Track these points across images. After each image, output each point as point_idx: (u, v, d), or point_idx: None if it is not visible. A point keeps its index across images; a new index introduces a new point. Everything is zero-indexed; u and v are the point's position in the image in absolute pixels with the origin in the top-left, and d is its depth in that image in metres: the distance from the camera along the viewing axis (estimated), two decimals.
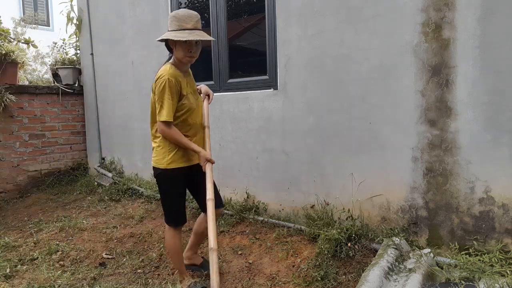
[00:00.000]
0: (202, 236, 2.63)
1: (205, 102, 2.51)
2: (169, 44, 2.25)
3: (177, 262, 2.48)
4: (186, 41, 2.13)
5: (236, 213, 3.54)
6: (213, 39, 2.23)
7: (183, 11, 2.19)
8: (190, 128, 2.32)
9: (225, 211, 3.59)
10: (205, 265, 2.70)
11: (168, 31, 2.19)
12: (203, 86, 2.59)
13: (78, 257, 3.07)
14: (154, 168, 2.35)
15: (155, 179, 2.41)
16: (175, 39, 2.10)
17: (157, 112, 2.19)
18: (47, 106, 5.42)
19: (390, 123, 2.74)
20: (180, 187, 2.39)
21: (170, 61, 2.29)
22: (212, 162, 2.28)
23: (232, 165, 3.78)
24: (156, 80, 2.20)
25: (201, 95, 2.54)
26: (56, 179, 5.42)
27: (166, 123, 2.17)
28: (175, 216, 2.42)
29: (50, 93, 5.44)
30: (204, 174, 2.27)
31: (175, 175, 2.30)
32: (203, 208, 2.42)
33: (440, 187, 2.56)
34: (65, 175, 5.53)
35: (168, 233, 2.44)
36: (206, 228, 2.43)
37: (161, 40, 2.25)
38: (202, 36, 2.15)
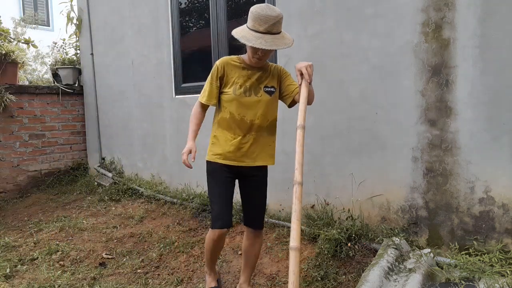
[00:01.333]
0: (248, 257, 2.35)
1: (303, 86, 1.95)
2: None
3: (207, 260, 2.38)
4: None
5: (235, 213, 3.54)
6: (284, 47, 2.01)
7: (264, 9, 1.94)
8: (237, 124, 2.12)
9: None
10: None
11: (246, 26, 2.01)
12: (301, 66, 2.01)
13: (78, 257, 3.07)
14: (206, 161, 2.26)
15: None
16: (241, 40, 1.96)
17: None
18: (47, 106, 5.42)
19: (390, 123, 2.74)
20: (219, 184, 2.18)
21: None
22: (184, 162, 2.12)
23: None
24: None
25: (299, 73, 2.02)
26: (56, 179, 5.42)
27: (200, 104, 2.21)
28: (212, 215, 2.20)
29: (50, 93, 5.44)
30: (256, 182, 2.23)
31: (214, 170, 2.18)
32: (246, 222, 2.32)
33: (440, 187, 2.56)
34: (65, 175, 5.53)
35: (207, 237, 2.24)
36: (249, 246, 2.30)
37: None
38: (268, 44, 1.92)
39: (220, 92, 2.18)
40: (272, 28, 1.95)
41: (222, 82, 2.16)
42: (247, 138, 2.14)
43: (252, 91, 2.15)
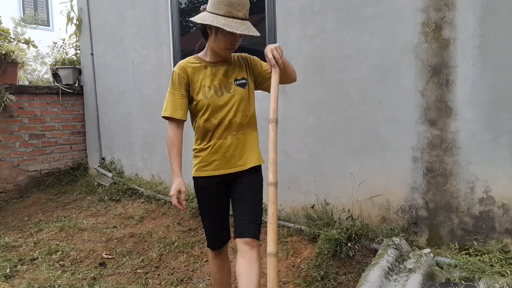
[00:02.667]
0: (245, 278, 1.78)
1: (273, 75, 1.81)
2: (207, 29, 1.84)
3: None
4: (232, 32, 1.74)
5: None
6: (258, 34, 1.81)
7: None
8: (216, 128, 1.89)
9: None
10: None
11: (211, 12, 1.77)
12: (267, 50, 1.83)
13: (78, 257, 3.07)
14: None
15: None
16: (227, 29, 1.69)
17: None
18: (47, 106, 5.43)
19: (390, 123, 2.74)
20: (210, 200, 1.95)
21: (203, 51, 1.95)
22: (182, 199, 1.83)
23: None
24: None
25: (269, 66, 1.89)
26: (56, 179, 5.43)
27: (170, 121, 1.89)
28: (209, 236, 2.01)
29: (50, 93, 5.44)
30: (248, 185, 1.90)
31: (202, 186, 1.96)
32: (235, 231, 1.89)
33: (440, 187, 2.56)
34: (65, 175, 5.54)
35: (209, 258, 2.07)
36: (244, 264, 1.78)
37: (197, 23, 1.83)
38: (253, 30, 1.77)
39: (190, 102, 1.92)
40: (247, 14, 1.81)
41: (187, 89, 1.88)
42: (230, 140, 1.90)
43: (223, 89, 1.89)
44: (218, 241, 2.01)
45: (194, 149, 1.98)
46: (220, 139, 1.89)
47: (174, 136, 1.90)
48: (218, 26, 1.71)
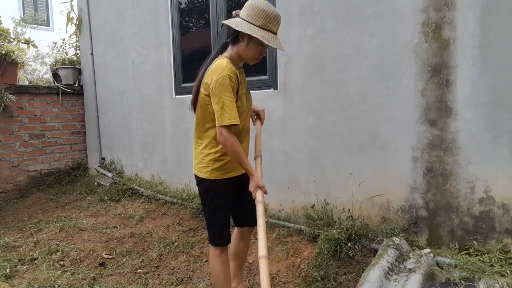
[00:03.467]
0: (242, 258, 2.32)
1: (258, 126, 2.20)
2: (239, 36, 1.90)
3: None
4: (263, 44, 1.86)
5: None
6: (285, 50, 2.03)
7: (272, 8, 1.86)
8: (239, 133, 2.00)
9: None
10: None
11: (247, 21, 1.84)
12: (255, 107, 2.24)
13: (78, 257, 3.07)
14: (196, 176, 2.08)
15: (198, 187, 2.12)
16: (265, 41, 1.80)
17: (218, 115, 1.83)
18: (47, 106, 5.43)
19: (390, 123, 2.74)
20: (224, 201, 2.06)
21: (226, 54, 1.97)
22: (264, 191, 1.93)
23: None
24: (211, 77, 1.86)
25: (254, 115, 2.27)
26: (56, 179, 5.43)
27: (229, 128, 1.84)
28: (221, 233, 2.07)
29: (50, 93, 5.44)
30: (246, 185, 1.98)
31: (220, 187, 2.01)
32: (238, 223, 2.22)
33: (440, 187, 2.56)
34: (65, 175, 5.54)
35: (213, 257, 2.08)
36: (244, 246, 2.27)
37: (230, 28, 1.90)
38: (281, 45, 1.92)
39: None
40: (278, 30, 1.92)
41: (236, 96, 1.91)
42: (246, 144, 2.08)
43: (248, 94, 2.07)
44: (228, 237, 2.11)
45: (215, 153, 1.98)
46: (242, 143, 2.00)
47: (237, 142, 1.89)
48: (257, 37, 1.80)
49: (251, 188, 1.93)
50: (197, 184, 2.10)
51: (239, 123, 1.86)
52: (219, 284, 2.08)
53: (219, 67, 1.85)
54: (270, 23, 1.85)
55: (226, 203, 2.07)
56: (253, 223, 2.16)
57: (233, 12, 1.96)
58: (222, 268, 2.07)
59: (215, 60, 1.94)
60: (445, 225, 2.56)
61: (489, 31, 2.30)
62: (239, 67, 1.99)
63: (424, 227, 2.65)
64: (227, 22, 1.90)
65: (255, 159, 2.11)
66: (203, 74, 1.96)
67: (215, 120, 1.86)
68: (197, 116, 2.03)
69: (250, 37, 1.85)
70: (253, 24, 1.83)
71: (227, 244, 2.11)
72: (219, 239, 2.07)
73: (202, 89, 1.94)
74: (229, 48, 1.98)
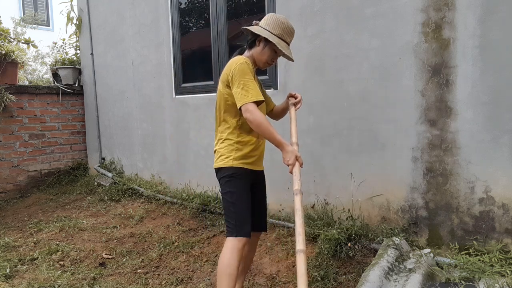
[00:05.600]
0: (248, 262, 2.32)
1: (292, 110, 2.23)
2: (256, 41, 2.08)
3: (230, 284, 1.88)
4: (276, 51, 2.06)
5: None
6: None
7: (289, 22, 2.10)
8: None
9: None
10: None
11: (265, 29, 2.03)
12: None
13: (78, 257, 3.07)
14: (220, 169, 2.06)
15: (219, 183, 2.10)
16: (279, 47, 2.00)
17: (239, 96, 1.90)
18: (47, 106, 5.43)
19: (390, 123, 2.74)
20: (245, 190, 2.06)
21: (243, 55, 2.13)
22: (300, 163, 1.94)
23: None
24: (229, 68, 1.98)
25: (289, 100, 2.32)
26: (56, 179, 5.42)
27: (254, 105, 1.88)
28: (242, 222, 1.98)
29: (50, 93, 5.44)
30: (260, 187, 2.18)
31: (241, 175, 2.03)
32: (256, 227, 2.19)
33: (440, 187, 2.56)
34: (65, 175, 5.54)
35: (232, 249, 1.92)
36: (251, 251, 2.30)
37: (248, 33, 2.10)
38: (291, 56, 2.13)
39: None
40: (291, 41, 2.15)
41: None
42: (262, 141, 2.17)
43: (265, 95, 2.27)
44: (250, 226, 2.01)
45: (237, 142, 2.06)
46: (255, 137, 2.10)
47: (262, 115, 1.93)
48: (273, 41, 2.00)
49: (289, 160, 1.93)
50: (219, 177, 2.09)
51: (263, 99, 1.95)
52: (229, 280, 1.87)
53: (236, 59, 2.01)
54: (285, 34, 2.07)
55: (246, 191, 2.05)
56: (261, 228, 2.26)
57: (253, 22, 2.14)
58: (238, 264, 1.92)
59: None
60: (445, 225, 2.56)
61: (489, 31, 2.30)
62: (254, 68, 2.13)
63: (424, 227, 2.65)
64: (250, 28, 2.08)
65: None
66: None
67: (237, 103, 1.92)
68: (217, 110, 2.13)
69: (266, 43, 2.05)
70: (270, 32, 2.04)
71: (249, 236, 1.99)
72: (240, 228, 1.95)
73: (220, 84, 2.08)
74: (245, 52, 2.17)
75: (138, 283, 2.65)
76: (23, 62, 5.33)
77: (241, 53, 2.16)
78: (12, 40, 5.34)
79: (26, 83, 6.31)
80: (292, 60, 2.18)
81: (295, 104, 2.28)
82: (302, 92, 3.20)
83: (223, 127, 2.10)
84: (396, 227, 2.73)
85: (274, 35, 2.03)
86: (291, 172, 1.94)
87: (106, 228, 3.66)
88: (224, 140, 2.08)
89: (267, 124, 1.90)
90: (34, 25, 8.23)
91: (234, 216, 1.98)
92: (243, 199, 2.02)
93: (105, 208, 4.30)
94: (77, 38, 5.89)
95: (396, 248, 2.44)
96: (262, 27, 2.06)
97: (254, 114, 1.87)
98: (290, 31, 2.10)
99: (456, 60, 2.43)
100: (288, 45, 2.12)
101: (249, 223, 2.01)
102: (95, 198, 4.62)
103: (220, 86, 2.07)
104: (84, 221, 3.87)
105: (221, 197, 2.15)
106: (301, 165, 1.94)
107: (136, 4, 4.70)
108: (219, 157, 2.08)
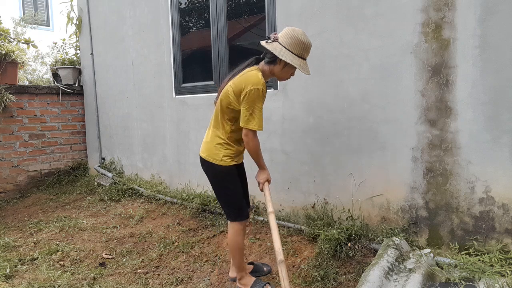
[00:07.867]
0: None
1: (266, 187, 2.42)
2: (278, 59, 2.22)
3: (240, 259, 2.43)
4: (294, 67, 2.23)
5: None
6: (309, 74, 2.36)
7: (308, 40, 2.23)
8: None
9: None
10: (257, 268, 2.70)
11: (287, 49, 2.18)
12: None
13: (78, 257, 3.07)
14: (212, 164, 2.33)
15: (213, 175, 2.40)
16: (301, 70, 2.19)
17: (245, 119, 2.17)
18: (47, 106, 5.43)
19: (390, 123, 2.74)
20: (236, 182, 2.42)
21: (258, 66, 2.30)
22: (269, 181, 2.38)
23: None
24: (245, 83, 2.17)
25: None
26: (56, 179, 5.43)
27: (255, 132, 2.22)
28: (243, 210, 2.43)
29: (50, 93, 5.44)
30: (245, 176, 2.57)
31: (232, 171, 2.37)
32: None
33: (440, 187, 2.56)
34: (65, 175, 5.54)
35: (237, 231, 2.40)
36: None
37: (269, 50, 2.22)
38: (309, 70, 2.28)
39: None
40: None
41: None
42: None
43: None
44: (247, 211, 2.47)
45: (228, 143, 2.33)
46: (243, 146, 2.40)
47: (258, 141, 2.28)
48: (296, 66, 2.17)
49: (261, 179, 2.35)
50: (206, 168, 2.38)
51: (262, 130, 2.23)
52: (240, 254, 2.41)
53: (255, 79, 2.16)
54: (305, 52, 2.23)
55: (239, 183, 2.43)
56: (247, 205, 2.59)
57: (271, 35, 2.23)
58: (243, 241, 2.43)
59: (247, 69, 2.28)
60: (445, 225, 2.56)
61: (489, 31, 2.30)
62: (266, 81, 2.32)
63: (424, 227, 2.65)
64: (270, 47, 2.19)
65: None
66: (232, 76, 2.30)
67: (240, 120, 2.20)
68: (217, 109, 2.34)
69: (287, 62, 2.18)
70: (291, 52, 2.17)
71: (248, 217, 2.47)
72: (240, 214, 2.39)
73: (231, 88, 2.22)
74: (262, 63, 2.30)
75: (138, 283, 2.65)
76: (23, 62, 5.33)
77: (257, 63, 2.33)
78: (12, 40, 5.34)
79: (26, 83, 6.32)
80: (309, 74, 2.29)
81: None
82: (303, 92, 3.21)
83: (219, 125, 2.34)
84: (396, 227, 2.73)
85: (295, 55, 2.18)
86: (261, 190, 2.35)
87: (106, 228, 3.66)
88: (218, 137, 2.33)
89: (259, 150, 2.28)
90: (34, 25, 8.22)
91: (235, 205, 2.40)
92: (239, 190, 2.41)
93: (105, 208, 4.30)
94: (77, 38, 5.89)
95: (396, 248, 2.44)
96: (282, 45, 2.17)
97: (252, 142, 2.23)
98: (308, 49, 2.24)
99: (456, 60, 2.43)
100: (305, 60, 2.26)
101: (246, 209, 2.46)
102: (95, 198, 4.62)
103: (230, 90, 2.23)
104: (84, 221, 3.87)
105: (215, 188, 2.45)
106: (268, 182, 2.37)
107: (136, 4, 4.70)
108: (215, 153, 2.32)
